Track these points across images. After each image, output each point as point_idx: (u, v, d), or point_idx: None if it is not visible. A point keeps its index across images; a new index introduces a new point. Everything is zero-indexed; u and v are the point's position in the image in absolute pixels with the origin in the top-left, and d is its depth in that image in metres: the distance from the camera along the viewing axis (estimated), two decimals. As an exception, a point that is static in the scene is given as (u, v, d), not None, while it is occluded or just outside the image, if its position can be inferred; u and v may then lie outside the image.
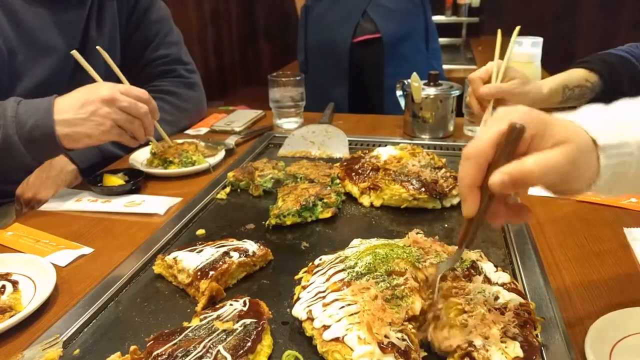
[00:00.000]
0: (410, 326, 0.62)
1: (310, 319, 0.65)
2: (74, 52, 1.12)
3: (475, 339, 0.58)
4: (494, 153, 0.55)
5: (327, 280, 0.71)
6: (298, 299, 0.70)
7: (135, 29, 1.48)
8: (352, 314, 0.62)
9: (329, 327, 0.62)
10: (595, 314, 0.67)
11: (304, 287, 0.72)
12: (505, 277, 0.72)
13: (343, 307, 0.64)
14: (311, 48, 2.11)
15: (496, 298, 0.65)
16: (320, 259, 0.79)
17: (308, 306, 0.67)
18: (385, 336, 0.58)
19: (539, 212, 0.99)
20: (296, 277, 0.79)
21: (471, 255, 0.76)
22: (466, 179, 0.56)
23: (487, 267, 0.75)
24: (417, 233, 0.78)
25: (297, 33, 2.16)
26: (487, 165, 0.55)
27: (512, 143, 0.53)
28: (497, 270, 0.74)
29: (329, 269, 0.73)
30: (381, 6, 1.94)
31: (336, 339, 0.60)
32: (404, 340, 0.59)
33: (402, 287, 0.66)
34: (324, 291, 0.68)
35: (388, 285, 0.66)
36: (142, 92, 1.11)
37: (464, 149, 0.56)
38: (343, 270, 0.71)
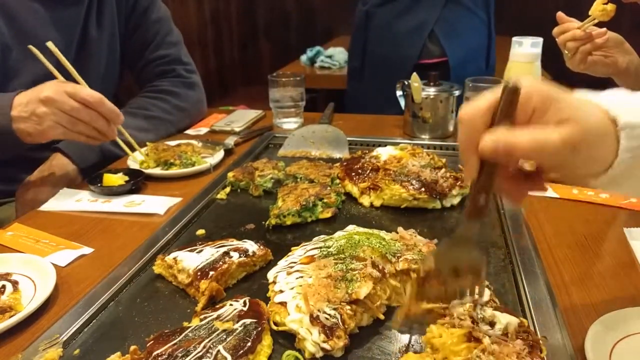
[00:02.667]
0: (347, 307, 0.65)
1: (274, 283, 0.73)
2: (31, 47, 1.09)
3: None
4: (489, 117, 0.52)
5: (304, 254, 0.78)
6: (276, 265, 0.78)
7: (135, 29, 1.49)
8: (301, 285, 0.68)
9: (282, 292, 0.69)
10: (595, 314, 0.67)
11: (287, 257, 0.80)
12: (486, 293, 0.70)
13: (299, 278, 0.71)
14: (371, 59, 1.95)
15: (492, 323, 0.62)
16: (318, 238, 0.85)
17: (277, 272, 0.75)
18: (319, 310, 0.63)
19: (539, 212, 0.99)
20: (293, 248, 0.83)
21: None
22: (462, 143, 0.54)
23: None
24: (414, 233, 0.82)
25: (297, 33, 2.12)
26: (482, 128, 0.51)
27: (507, 104, 0.50)
28: None
29: (310, 245, 0.81)
30: (448, 23, 1.82)
31: (282, 303, 0.67)
32: (334, 318, 0.63)
33: (356, 272, 0.69)
34: (295, 262, 0.76)
35: (344, 267, 0.71)
36: (90, 95, 1.04)
37: (459, 111, 0.54)
38: (319, 248, 0.78)
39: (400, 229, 0.83)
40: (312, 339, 0.61)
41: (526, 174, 0.56)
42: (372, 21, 1.92)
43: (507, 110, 0.50)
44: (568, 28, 1.26)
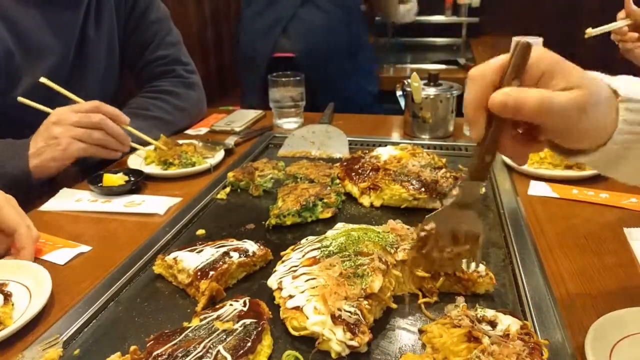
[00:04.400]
0: (365, 302, 0.66)
1: (280, 289, 0.71)
2: (20, 99, 1.13)
3: None
4: (499, 75, 0.53)
5: (302, 256, 0.77)
6: (275, 271, 0.76)
7: (134, 29, 1.48)
8: (314, 287, 0.68)
9: (293, 297, 0.68)
10: (595, 314, 0.67)
11: (283, 262, 0.79)
12: (479, 267, 0.73)
13: (308, 280, 0.70)
14: (240, 52, 2.16)
15: (494, 324, 0.62)
16: (307, 239, 0.84)
17: (280, 278, 0.73)
18: (339, 309, 0.63)
19: (539, 212, 0.99)
20: (282, 253, 0.82)
21: None
22: (470, 101, 0.55)
23: None
24: (399, 222, 0.83)
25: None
26: (492, 87, 0.53)
27: (518, 61, 0.51)
28: None
29: (307, 247, 0.80)
30: (302, 21, 1.97)
31: (296, 308, 0.66)
32: (355, 314, 0.63)
33: (365, 267, 0.70)
34: (296, 266, 0.75)
35: (352, 264, 0.71)
36: (91, 104, 1.13)
37: (469, 71, 0.55)
38: (318, 249, 0.77)
39: (390, 221, 0.84)
40: (337, 338, 0.61)
41: (527, 136, 0.57)
42: (243, 17, 2.13)
43: (518, 67, 0.51)
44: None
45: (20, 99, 1.13)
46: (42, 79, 1.14)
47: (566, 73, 0.51)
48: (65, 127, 1.09)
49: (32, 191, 1.12)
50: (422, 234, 0.65)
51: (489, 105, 0.52)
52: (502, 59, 0.53)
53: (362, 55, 2.10)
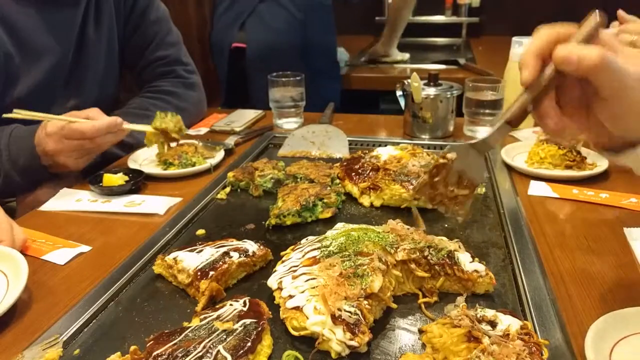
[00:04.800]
0: (365, 302, 0.66)
1: (280, 289, 0.71)
2: (6, 115, 1.11)
3: None
4: (567, 37, 0.56)
5: (303, 256, 0.77)
6: (275, 271, 0.76)
7: (134, 30, 1.48)
8: (314, 287, 0.68)
9: (293, 297, 0.68)
10: (595, 314, 0.67)
11: (283, 262, 0.78)
12: (479, 267, 0.74)
13: (308, 280, 0.70)
14: (211, 45, 2.28)
15: (494, 324, 0.62)
16: (307, 239, 0.84)
17: (280, 277, 0.73)
18: (339, 309, 0.63)
19: (539, 212, 0.99)
20: (282, 253, 0.82)
21: (449, 244, 0.78)
22: (532, 47, 0.58)
23: (463, 257, 0.77)
24: (399, 222, 0.83)
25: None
26: (556, 42, 0.55)
27: (588, 27, 0.54)
28: (472, 261, 0.76)
29: (307, 247, 0.80)
30: (259, 17, 2.07)
31: (296, 308, 0.66)
32: (355, 314, 0.63)
33: (365, 267, 0.70)
34: (296, 266, 0.75)
35: (352, 264, 0.71)
36: (81, 132, 1.09)
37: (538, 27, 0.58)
38: (318, 248, 0.77)
39: (390, 221, 0.84)
40: (337, 338, 0.61)
41: (571, 115, 0.59)
42: (215, 13, 2.24)
43: (589, 35, 0.55)
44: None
45: (5, 115, 1.09)
46: (15, 111, 1.09)
47: (629, 52, 0.54)
48: (65, 155, 1.12)
49: (45, 179, 1.17)
50: (442, 160, 0.66)
51: (553, 56, 0.55)
52: (572, 25, 0.57)
53: (320, 58, 2.15)
